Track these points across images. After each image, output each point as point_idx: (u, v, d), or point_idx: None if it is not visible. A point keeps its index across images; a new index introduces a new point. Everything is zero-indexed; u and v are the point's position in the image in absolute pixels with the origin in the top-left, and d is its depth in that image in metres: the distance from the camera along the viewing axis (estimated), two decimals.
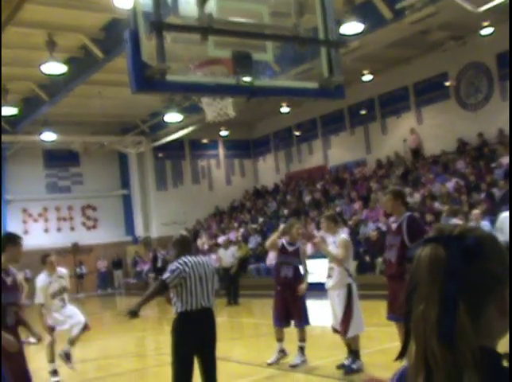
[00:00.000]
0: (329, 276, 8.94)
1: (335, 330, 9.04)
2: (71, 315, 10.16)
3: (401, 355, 1.48)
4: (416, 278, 1.41)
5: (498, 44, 21.34)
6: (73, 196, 34.70)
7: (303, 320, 9.57)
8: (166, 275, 6.36)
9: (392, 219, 7.78)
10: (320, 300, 14.34)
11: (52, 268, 10.09)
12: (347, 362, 8.84)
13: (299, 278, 9.67)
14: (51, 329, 9.96)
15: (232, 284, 20.54)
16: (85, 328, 10.26)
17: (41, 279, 10.05)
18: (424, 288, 1.38)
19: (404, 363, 1.46)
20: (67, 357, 10.19)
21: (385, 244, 7.85)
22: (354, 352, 8.75)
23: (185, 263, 6.39)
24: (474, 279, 1.35)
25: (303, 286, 9.51)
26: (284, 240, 9.93)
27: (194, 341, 6.35)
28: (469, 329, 1.32)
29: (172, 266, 6.46)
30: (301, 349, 9.54)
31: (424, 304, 1.36)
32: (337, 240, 8.84)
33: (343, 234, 9.89)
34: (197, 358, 6.47)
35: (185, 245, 6.73)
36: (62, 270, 10.36)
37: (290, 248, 9.74)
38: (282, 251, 9.80)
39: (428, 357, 1.33)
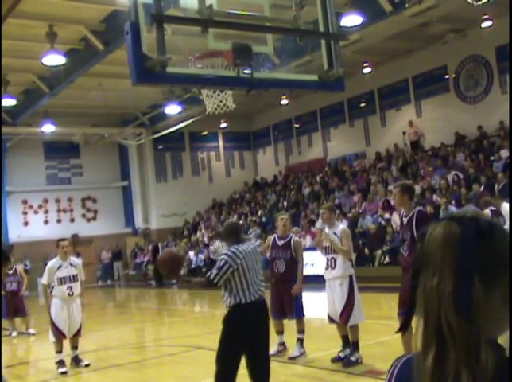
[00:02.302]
0: (330, 267, 8.95)
1: (330, 319, 9.03)
2: (73, 315, 10.21)
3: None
4: (427, 254, 1.43)
5: (497, 37, 21.34)
6: (73, 188, 34.75)
7: (294, 313, 9.52)
8: (214, 273, 5.97)
9: (403, 213, 7.77)
10: (318, 292, 14.37)
11: (64, 254, 10.16)
12: (342, 354, 8.88)
13: (291, 271, 9.60)
14: (58, 330, 10.04)
15: None
16: (77, 333, 10.33)
17: (51, 262, 10.22)
18: (437, 262, 1.40)
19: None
20: (76, 361, 10.38)
21: (400, 238, 7.98)
22: (353, 344, 8.77)
23: (235, 254, 6.02)
24: (485, 257, 1.38)
25: (296, 288, 9.46)
26: (275, 235, 10.01)
27: (246, 335, 5.99)
28: (484, 301, 1.34)
29: (220, 260, 6.04)
30: (300, 341, 9.54)
31: (438, 277, 1.38)
32: (338, 232, 8.87)
33: (342, 225, 9.93)
34: (246, 356, 6.10)
35: (237, 233, 6.34)
36: (75, 260, 10.46)
37: (280, 242, 9.73)
38: (273, 246, 9.80)
39: (443, 330, 1.35)
